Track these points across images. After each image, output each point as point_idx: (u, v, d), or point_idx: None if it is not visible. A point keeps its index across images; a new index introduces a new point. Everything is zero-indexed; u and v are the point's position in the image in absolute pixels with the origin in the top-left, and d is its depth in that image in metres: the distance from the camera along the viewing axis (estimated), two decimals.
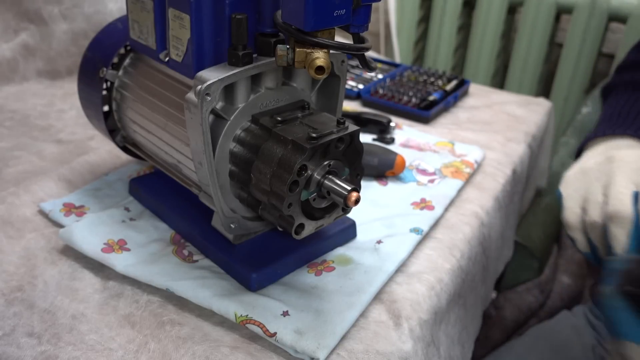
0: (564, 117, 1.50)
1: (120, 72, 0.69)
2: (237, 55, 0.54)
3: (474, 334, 0.81)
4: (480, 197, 0.82)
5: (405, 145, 0.93)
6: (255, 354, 0.54)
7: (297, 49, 0.50)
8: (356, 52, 0.52)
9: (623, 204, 0.64)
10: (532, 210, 1.18)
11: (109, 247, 0.64)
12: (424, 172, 0.85)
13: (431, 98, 1.05)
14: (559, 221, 1.25)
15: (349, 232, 0.68)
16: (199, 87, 0.52)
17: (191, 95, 0.53)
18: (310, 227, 0.56)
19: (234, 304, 0.57)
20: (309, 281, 0.62)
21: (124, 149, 0.76)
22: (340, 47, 0.50)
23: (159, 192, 0.72)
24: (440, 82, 1.13)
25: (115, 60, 0.69)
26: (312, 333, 0.54)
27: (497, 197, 0.84)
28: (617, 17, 1.39)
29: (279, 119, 0.56)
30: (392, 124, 0.96)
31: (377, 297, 0.61)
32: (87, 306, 0.59)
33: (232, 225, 0.61)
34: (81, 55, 0.71)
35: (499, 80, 1.68)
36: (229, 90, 0.56)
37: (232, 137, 0.57)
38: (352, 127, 0.55)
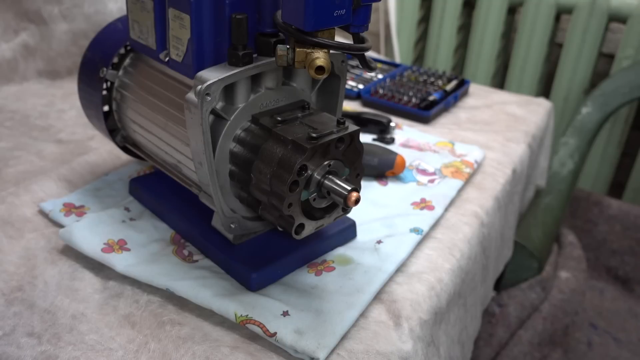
0: (564, 117, 1.50)
1: (120, 72, 0.69)
2: (237, 55, 0.54)
3: (473, 334, 0.81)
4: (480, 197, 0.82)
5: (405, 145, 0.93)
6: (255, 354, 0.54)
7: (297, 49, 0.50)
8: (356, 52, 0.52)
9: None
10: (531, 210, 1.19)
11: (109, 247, 0.64)
12: (424, 172, 0.85)
13: (431, 98, 1.05)
14: (559, 221, 1.25)
15: (349, 232, 0.68)
16: (199, 87, 0.52)
17: (191, 95, 0.53)
18: (310, 227, 0.56)
19: (234, 304, 0.57)
20: (309, 281, 0.62)
21: (124, 149, 0.76)
22: (340, 47, 0.50)
23: (159, 192, 0.72)
24: (440, 82, 1.13)
25: (115, 60, 0.69)
26: (312, 333, 0.54)
27: (497, 197, 0.84)
28: (617, 17, 1.39)
29: (279, 119, 0.56)
30: (392, 124, 0.96)
31: (377, 297, 0.61)
32: (87, 306, 0.59)
33: (232, 225, 0.61)
34: (81, 55, 0.71)
35: (499, 80, 1.68)
36: (229, 90, 0.56)
37: (232, 137, 0.57)
38: (352, 127, 0.55)
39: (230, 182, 0.59)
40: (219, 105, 0.56)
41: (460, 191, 0.82)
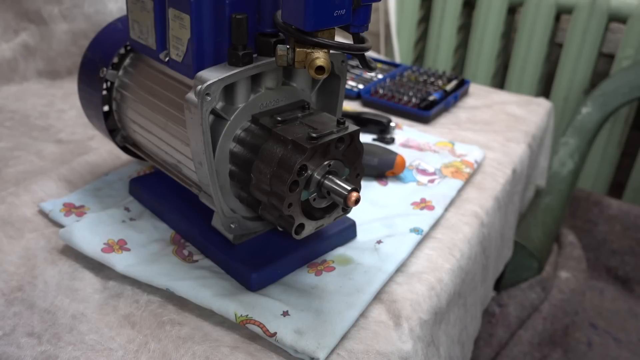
0: (564, 117, 1.50)
1: (120, 72, 0.69)
2: (237, 55, 0.54)
3: (473, 334, 0.81)
4: (480, 197, 0.82)
5: (405, 145, 0.93)
6: (255, 354, 0.54)
7: (297, 49, 0.50)
8: (356, 52, 0.52)
9: None
10: (531, 210, 1.19)
11: (109, 247, 0.64)
12: (424, 172, 0.85)
13: (431, 98, 1.05)
14: (559, 221, 1.25)
15: (349, 232, 0.68)
16: (199, 87, 0.52)
17: (191, 95, 0.53)
18: (310, 227, 0.56)
19: (234, 304, 0.57)
20: (309, 281, 0.62)
21: (124, 149, 0.76)
22: (340, 47, 0.50)
23: (159, 192, 0.72)
24: (440, 82, 1.13)
25: (115, 60, 0.69)
26: (312, 333, 0.54)
27: (497, 197, 0.84)
28: (617, 17, 1.39)
29: (279, 119, 0.56)
30: (392, 124, 0.96)
31: (377, 297, 0.61)
32: (87, 306, 0.59)
33: (232, 225, 0.61)
34: (81, 55, 0.71)
35: (499, 80, 1.68)
36: (229, 90, 0.56)
37: (232, 137, 0.57)
38: (352, 127, 0.55)
39: (230, 182, 0.59)
40: (219, 105, 0.56)
41: (460, 191, 0.82)
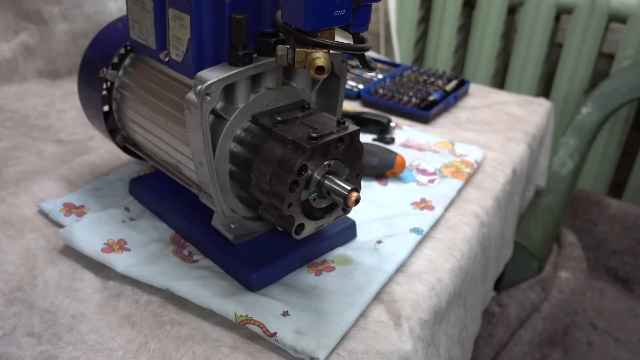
0: (564, 117, 1.50)
1: (120, 72, 0.69)
2: (237, 55, 0.54)
3: (473, 334, 0.81)
4: (480, 197, 0.82)
5: (405, 145, 0.93)
6: (255, 354, 0.54)
7: (297, 49, 0.50)
8: (356, 52, 0.52)
9: None
10: (531, 210, 1.19)
11: (109, 247, 0.64)
12: (424, 172, 0.85)
13: (431, 98, 1.05)
14: (559, 221, 1.25)
15: (349, 232, 0.68)
16: (199, 87, 0.52)
17: (191, 95, 0.53)
18: (310, 227, 0.56)
19: (234, 304, 0.57)
20: (309, 281, 0.62)
21: (124, 149, 0.76)
22: (340, 47, 0.50)
23: (159, 192, 0.72)
24: (440, 82, 1.13)
25: (115, 60, 0.69)
26: (312, 333, 0.54)
27: (497, 197, 0.84)
28: (617, 17, 1.39)
29: (279, 119, 0.56)
30: (392, 124, 0.96)
31: (377, 297, 0.61)
32: (87, 306, 0.59)
33: (232, 225, 0.61)
34: (81, 55, 0.71)
35: (499, 80, 1.68)
36: (229, 90, 0.56)
37: (232, 137, 0.57)
38: (352, 127, 0.55)
39: (230, 182, 0.59)
40: (219, 105, 0.56)
41: (460, 191, 0.82)
